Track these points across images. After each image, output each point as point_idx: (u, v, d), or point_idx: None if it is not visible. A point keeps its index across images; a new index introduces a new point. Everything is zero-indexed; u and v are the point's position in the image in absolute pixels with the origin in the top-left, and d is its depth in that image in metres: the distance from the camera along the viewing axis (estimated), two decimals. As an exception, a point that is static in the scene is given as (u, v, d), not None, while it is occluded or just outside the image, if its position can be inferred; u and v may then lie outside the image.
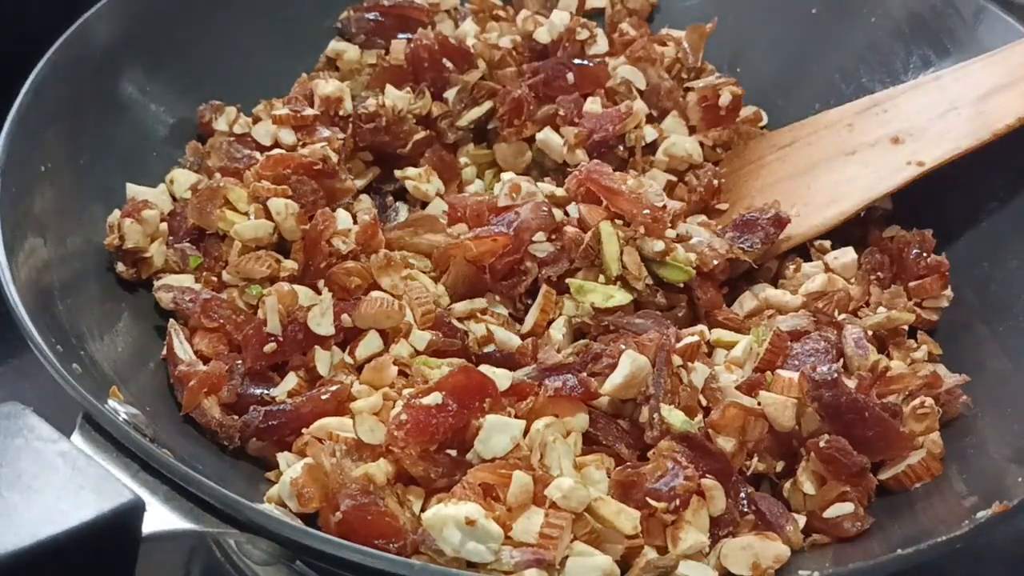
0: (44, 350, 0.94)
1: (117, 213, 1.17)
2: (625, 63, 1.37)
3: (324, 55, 1.42)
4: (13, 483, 0.76)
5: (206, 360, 1.08)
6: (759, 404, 1.01)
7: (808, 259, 1.24)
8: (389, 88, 1.32)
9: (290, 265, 1.16)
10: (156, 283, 1.16)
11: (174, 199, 1.24)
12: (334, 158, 1.23)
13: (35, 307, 0.99)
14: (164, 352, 1.10)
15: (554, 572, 0.89)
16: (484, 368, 1.02)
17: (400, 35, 1.40)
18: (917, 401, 1.04)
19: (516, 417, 0.98)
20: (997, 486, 0.95)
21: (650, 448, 0.97)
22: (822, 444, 0.98)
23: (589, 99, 1.32)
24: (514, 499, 0.91)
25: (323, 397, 1.03)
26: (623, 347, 1.01)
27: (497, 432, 0.95)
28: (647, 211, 1.13)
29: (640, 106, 1.33)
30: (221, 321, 1.10)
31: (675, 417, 0.97)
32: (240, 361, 1.08)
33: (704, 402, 1.02)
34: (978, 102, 1.20)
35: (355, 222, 1.17)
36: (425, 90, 1.33)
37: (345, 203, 1.23)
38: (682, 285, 1.13)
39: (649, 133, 1.32)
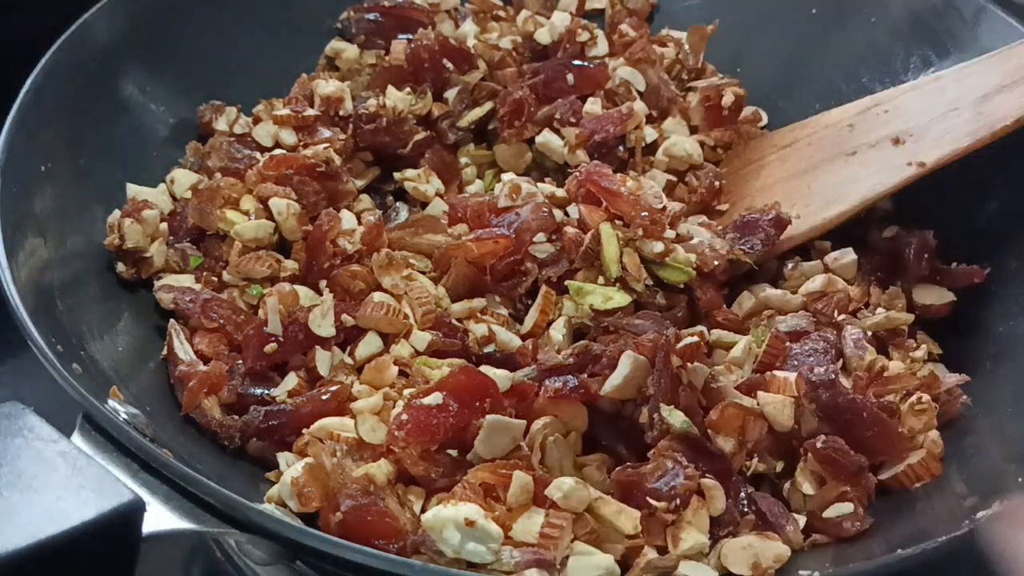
0: (44, 350, 0.94)
1: (117, 213, 1.17)
2: (624, 64, 1.37)
3: (324, 55, 1.42)
4: (13, 483, 0.76)
5: (206, 360, 1.08)
6: (758, 404, 1.01)
7: (808, 259, 1.24)
8: (390, 89, 1.32)
9: (291, 265, 1.16)
10: (156, 283, 1.16)
11: (174, 199, 1.23)
12: (337, 160, 1.23)
13: (35, 307, 0.99)
14: (164, 352, 1.11)
15: (555, 572, 0.89)
16: (484, 368, 1.01)
17: (400, 35, 1.40)
18: (914, 397, 1.04)
19: (516, 417, 0.98)
20: (997, 486, 0.95)
21: (650, 448, 0.97)
22: (819, 444, 0.98)
23: (589, 100, 1.32)
24: (514, 499, 0.91)
25: (323, 397, 1.03)
26: (623, 348, 1.01)
27: (497, 432, 0.95)
28: (645, 213, 1.12)
29: (640, 107, 1.33)
30: (221, 321, 1.10)
31: (675, 417, 0.97)
32: (240, 361, 1.08)
33: (704, 402, 1.02)
34: (978, 103, 1.20)
35: (359, 222, 1.17)
36: (426, 90, 1.33)
37: (345, 203, 1.23)
38: (682, 286, 1.13)
39: (649, 134, 1.32)
